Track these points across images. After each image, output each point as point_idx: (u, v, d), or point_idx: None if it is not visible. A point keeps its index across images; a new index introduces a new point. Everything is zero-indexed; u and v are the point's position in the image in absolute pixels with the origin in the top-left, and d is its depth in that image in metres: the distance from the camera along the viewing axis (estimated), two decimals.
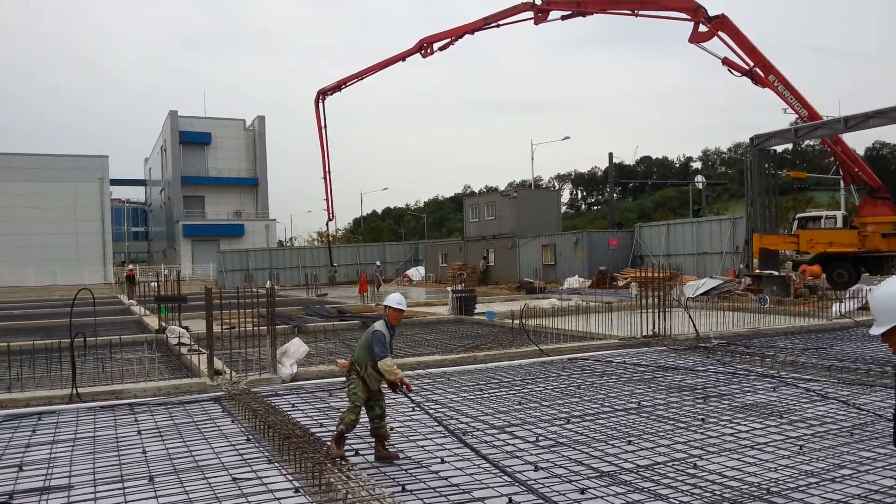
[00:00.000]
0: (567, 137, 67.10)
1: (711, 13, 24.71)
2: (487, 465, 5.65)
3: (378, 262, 42.82)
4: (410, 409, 7.73)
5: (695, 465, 5.58)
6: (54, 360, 10.61)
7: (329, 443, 5.92)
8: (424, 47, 31.84)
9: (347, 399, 6.00)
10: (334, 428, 6.02)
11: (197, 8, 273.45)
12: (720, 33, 24.79)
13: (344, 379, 9.57)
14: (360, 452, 6.10)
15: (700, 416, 7.19)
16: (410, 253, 55.35)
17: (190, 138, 70.39)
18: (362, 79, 37.22)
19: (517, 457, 5.89)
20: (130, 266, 44.65)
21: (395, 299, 6.35)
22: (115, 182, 72.25)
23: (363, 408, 5.92)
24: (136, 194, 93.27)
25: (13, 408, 8.29)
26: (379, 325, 6.10)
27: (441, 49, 31.61)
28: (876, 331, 2.72)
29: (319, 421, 7.36)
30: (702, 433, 6.55)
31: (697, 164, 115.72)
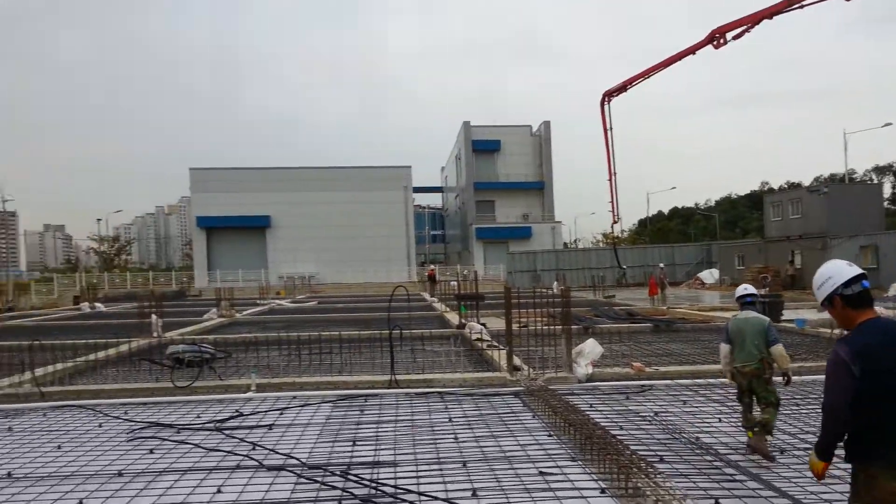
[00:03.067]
0: (888, 124, 58.41)
1: None
2: (823, 488, 5.12)
3: (662, 265, 41.31)
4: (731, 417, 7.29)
5: None
6: (375, 349, 11.89)
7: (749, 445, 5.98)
8: (717, 38, 29.90)
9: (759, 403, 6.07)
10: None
11: (486, 25, 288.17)
12: None
13: (641, 383, 9.39)
14: (665, 459, 5.89)
15: None
16: (702, 255, 52.41)
17: (481, 146, 74.49)
18: (648, 77, 36.18)
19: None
20: (431, 266, 48.42)
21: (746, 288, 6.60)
22: (416, 189, 78.93)
23: (746, 394, 6.09)
24: (434, 200, 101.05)
25: (345, 389, 9.44)
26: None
27: (735, 38, 29.40)
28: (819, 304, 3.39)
29: (619, 423, 7.26)
30: None
31: None
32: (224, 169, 67.65)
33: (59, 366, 11.21)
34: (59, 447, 6.83)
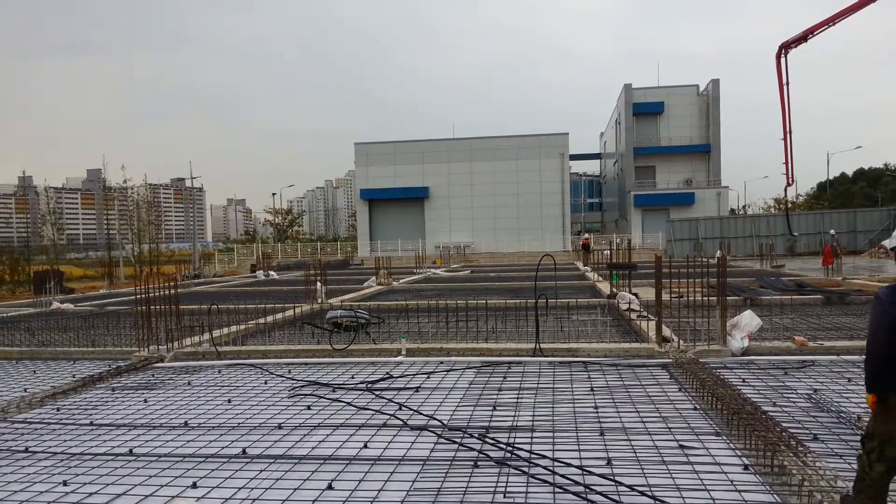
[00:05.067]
0: None
1: None
2: None
3: (833, 231, 38.01)
4: None
5: None
6: (521, 318, 11.99)
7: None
8: None
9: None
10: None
11: None
12: None
13: (801, 359, 8.80)
14: (820, 438, 5.53)
15: None
16: (888, 220, 47.59)
17: (643, 109, 71.82)
18: (833, 24, 33.11)
19: None
20: (586, 235, 47.73)
21: None
22: (573, 157, 77.69)
23: None
24: (592, 167, 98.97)
25: (489, 356, 9.63)
26: None
27: None
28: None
29: (772, 400, 6.88)
30: None
31: None
32: (385, 143, 70.12)
33: (234, 328, 12.30)
34: (229, 401, 7.55)
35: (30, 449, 5.99)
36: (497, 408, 6.83)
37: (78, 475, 5.25)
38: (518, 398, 7.21)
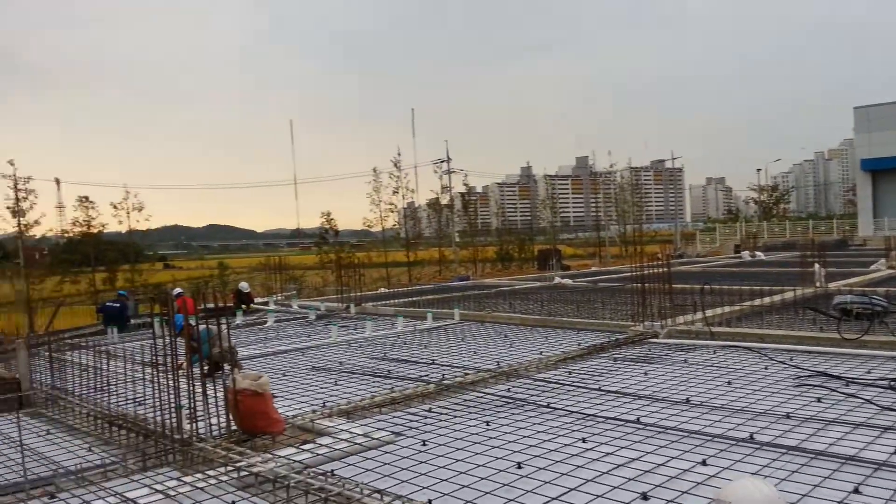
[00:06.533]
0: None
1: None
2: None
3: None
4: None
5: None
6: None
7: None
8: None
9: None
10: None
11: None
12: None
13: None
14: None
15: None
16: None
17: None
18: None
19: None
20: None
21: None
22: None
23: None
24: None
25: None
26: None
27: None
28: None
29: None
30: None
31: None
32: (893, 103, 60.10)
33: (727, 308, 12.01)
34: (728, 383, 7.38)
35: (550, 405, 6.77)
36: None
37: (593, 434, 5.72)
38: None
